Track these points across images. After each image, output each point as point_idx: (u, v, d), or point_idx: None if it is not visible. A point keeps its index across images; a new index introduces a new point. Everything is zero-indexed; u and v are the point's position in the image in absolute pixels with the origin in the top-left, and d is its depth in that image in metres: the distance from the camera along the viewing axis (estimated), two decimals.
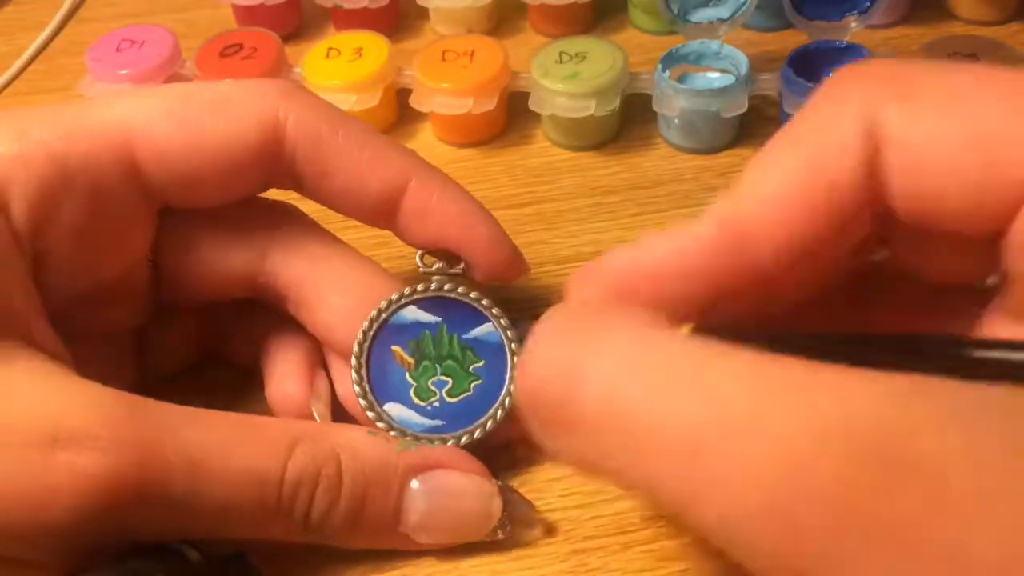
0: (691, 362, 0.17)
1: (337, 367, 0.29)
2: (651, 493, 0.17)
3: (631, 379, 0.17)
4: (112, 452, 0.21)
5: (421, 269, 0.28)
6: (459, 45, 0.40)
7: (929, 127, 0.19)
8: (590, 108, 0.38)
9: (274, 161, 0.26)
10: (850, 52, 0.39)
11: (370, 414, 0.27)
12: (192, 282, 0.28)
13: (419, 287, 0.27)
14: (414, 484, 0.25)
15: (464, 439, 0.27)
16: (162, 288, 0.29)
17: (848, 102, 0.20)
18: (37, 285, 0.25)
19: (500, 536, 0.26)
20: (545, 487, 0.28)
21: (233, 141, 0.26)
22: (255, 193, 0.28)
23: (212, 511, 0.23)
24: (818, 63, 0.38)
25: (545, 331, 0.20)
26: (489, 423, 0.27)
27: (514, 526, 0.26)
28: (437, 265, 0.28)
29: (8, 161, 0.24)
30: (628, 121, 0.41)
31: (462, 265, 0.28)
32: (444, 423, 0.27)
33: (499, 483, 0.26)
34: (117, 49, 0.41)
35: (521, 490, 0.27)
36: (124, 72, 0.41)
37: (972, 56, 0.39)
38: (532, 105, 0.39)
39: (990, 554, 0.14)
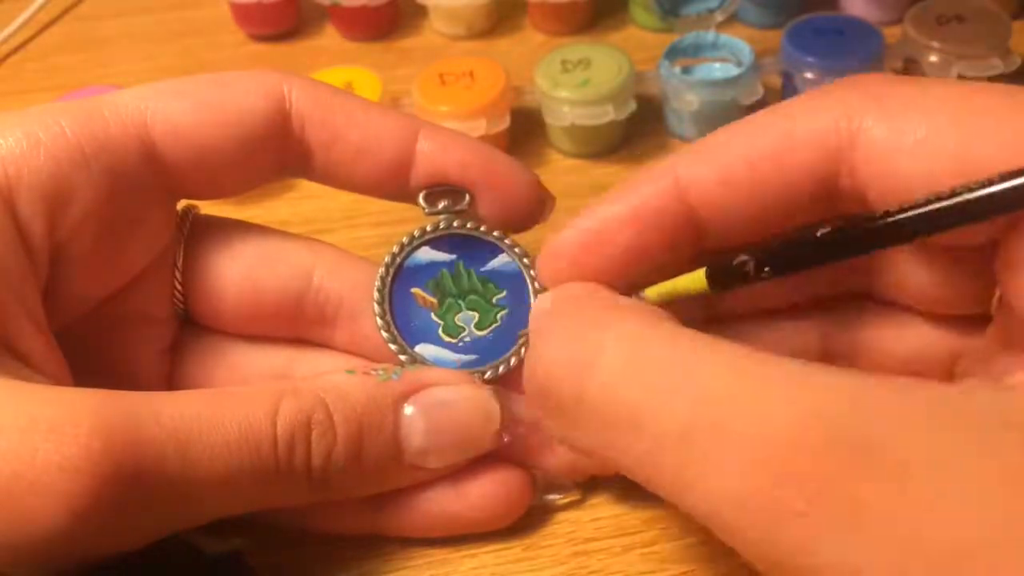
0: (685, 361, 0.19)
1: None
2: (649, 482, 0.19)
3: (632, 377, 0.19)
4: (96, 438, 0.21)
5: (426, 211, 0.27)
6: (455, 67, 0.40)
7: (907, 136, 0.20)
8: (609, 113, 0.37)
9: (285, 132, 0.26)
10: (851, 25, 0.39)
11: (403, 357, 0.27)
12: (230, 301, 0.27)
13: (428, 227, 0.27)
14: (407, 409, 0.25)
15: (501, 368, 0.27)
16: (193, 309, 0.28)
17: (831, 105, 0.21)
18: (58, 284, 0.24)
19: (506, 439, 0.26)
20: None
21: (244, 111, 0.26)
22: (270, 176, 0.28)
23: (212, 485, 0.22)
24: (817, 39, 0.38)
25: (551, 328, 0.22)
26: (523, 350, 0.27)
27: (514, 424, 0.26)
28: (442, 204, 0.28)
29: (17, 155, 0.24)
30: (633, 122, 0.40)
31: (467, 200, 0.27)
32: (478, 356, 0.27)
33: (490, 385, 0.26)
34: None
35: None
36: None
37: (958, 18, 0.39)
38: (548, 118, 0.38)
39: (944, 541, 0.15)
